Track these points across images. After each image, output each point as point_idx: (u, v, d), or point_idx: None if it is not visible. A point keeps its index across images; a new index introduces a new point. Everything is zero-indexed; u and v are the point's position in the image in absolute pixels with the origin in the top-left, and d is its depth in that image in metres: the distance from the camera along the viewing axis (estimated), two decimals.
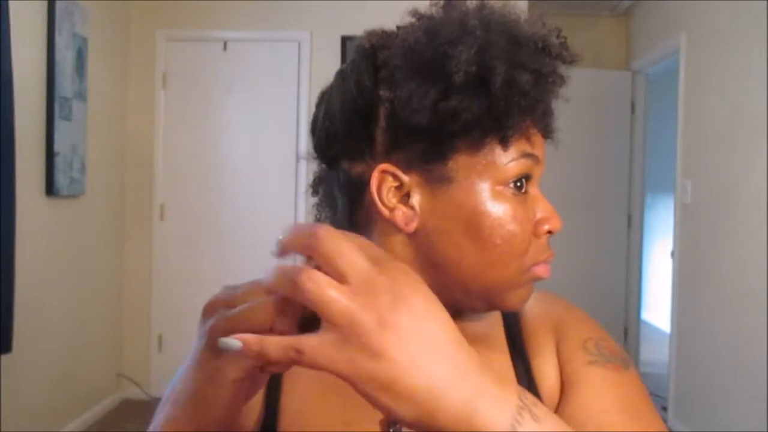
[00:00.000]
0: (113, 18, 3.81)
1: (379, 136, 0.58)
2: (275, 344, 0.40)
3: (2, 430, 2.74)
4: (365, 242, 0.42)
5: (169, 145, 4.01)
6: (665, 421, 3.67)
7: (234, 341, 0.41)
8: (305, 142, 3.97)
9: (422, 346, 0.39)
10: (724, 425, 3.05)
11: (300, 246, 0.41)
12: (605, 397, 0.56)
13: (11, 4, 2.62)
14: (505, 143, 0.57)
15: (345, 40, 3.92)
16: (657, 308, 5.97)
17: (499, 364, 0.62)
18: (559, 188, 4.18)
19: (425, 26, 0.58)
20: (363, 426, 0.58)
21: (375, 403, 0.40)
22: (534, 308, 0.65)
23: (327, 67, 4.12)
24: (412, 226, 0.58)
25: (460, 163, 0.57)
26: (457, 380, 0.39)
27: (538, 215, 0.60)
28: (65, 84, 3.19)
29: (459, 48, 0.54)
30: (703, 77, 3.46)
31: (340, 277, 0.39)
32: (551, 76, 0.57)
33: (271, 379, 0.61)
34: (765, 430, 2.65)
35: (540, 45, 0.58)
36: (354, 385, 0.40)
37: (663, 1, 4.10)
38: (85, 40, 3.38)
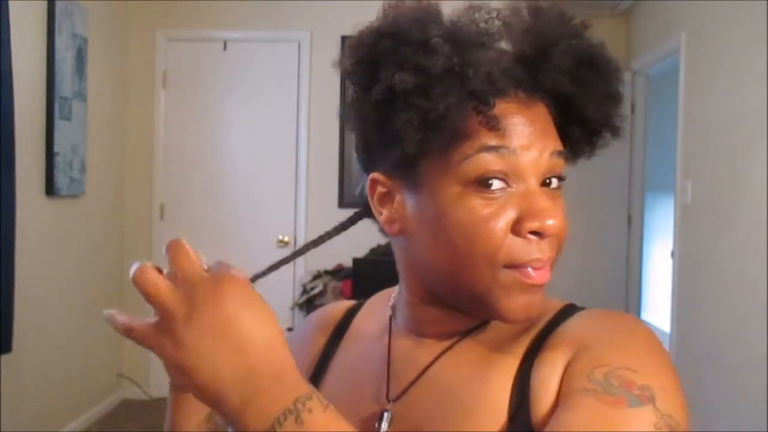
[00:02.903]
0: (113, 18, 3.81)
1: (372, 148, 0.62)
2: (120, 321, 0.49)
3: (2, 430, 2.74)
4: (220, 263, 0.49)
5: (169, 145, 4.01)
6: None
7: (105, 312, 0.51)
8: (305, 142, 3.98)
9: (218, 344, 0.45)
10: (724, 425, 3.05)
11: (166, 252, 0.49)
12: (575, 428, 0.49)
13: (11, 4, 2.62)
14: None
15: (345, 40, 3.92)
16: (657, 308, 5.97)
17: (501, 373, 0.58)
18: None
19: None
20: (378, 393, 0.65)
21: (180, 383, 0.47)
22: (575, 323, 0.59)
23: (327, 67, 4.08)
24: (395, 229, 0.61)
25: (426, 167, 0.57)
26: (239, 380, 0.45)
27: (519, 213, 0.55)
28: (65, 84, 3.19)
29: (355, 59, 0.58)
30: (703, 77, 3.46)
31: (173, 276, 0.47)
32: (458, 66, 0.53)
33: (333, 332, 0.73)
34: (765, 430, 2.64)
35: (427, 38, 0.54)
36: (165, 365, 0.47)
37: (663, 1, 4.10)
38: (85, 40, 3.38)
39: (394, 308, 0.70)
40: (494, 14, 0.58)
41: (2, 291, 2.53)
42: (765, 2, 2.76)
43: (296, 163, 3.98)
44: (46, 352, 3.14)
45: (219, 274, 0.47)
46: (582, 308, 0.62)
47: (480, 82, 0.53)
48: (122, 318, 0.49)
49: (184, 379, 0.46)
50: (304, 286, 3.74)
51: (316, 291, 3.56)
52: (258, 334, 0.46)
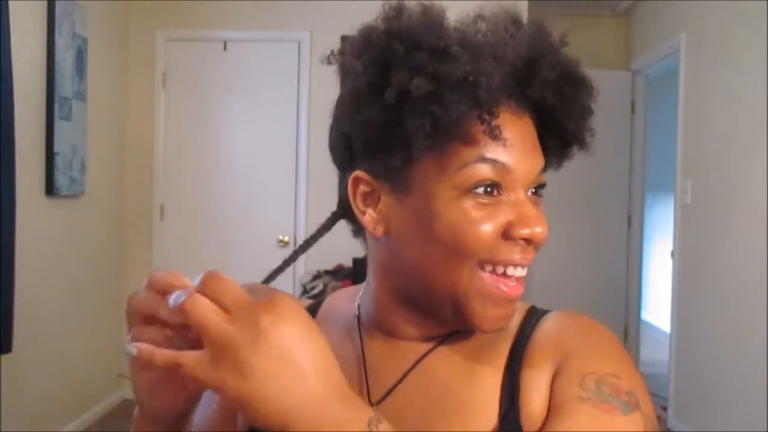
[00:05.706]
0: (113, 18, 3.81)
1: (356, 147, 0.61)
2: (162, 355, 0.45)
3: (2, 430, 2.74)
4: (256, 285, 0.50)
5: (169, 145, 4.01)
6: (665, 421, 3.67)
7: (132, 348, 0.47)
8: (305, 142, 3.98)
9: (286, 368, 0.43)
10: (724, 425, 3.05)
11: (200, 287, 0.46)
12: None
13: (11, 4, 2.61)
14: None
15: (345, 40, 3.91)
16: (657, 308, 5.97)
17: (486, 378, 0.60)
18: (559, 188, 4.17)
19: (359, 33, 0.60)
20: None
21: (242, 413, 0.44)
22: (551, 328, 0.62)
23: (327, 67, 4.11)
24: (380, 230, 0.61)
25: (419, 170, 0.58)
26: (308, 403, 0.43)
27: (510, 219, 0.57)
28: (65, 84, 3.19)
29: (361, 60, 0.57)
30: (703, 77, 3.46)
31: (223, 307, 0.44)
32: (473, 75, 0.53)
33: None
34: (765, 430, 2.65)
35: (445, 45, 0.55)
36: (222, 399, 0.44)
37: (663, 1, 4.10)
38: (85, 40, 3.38)
39: (360, 308, 0.70)
40: (501, 26, 0.59)
41: (2, 291, 2.53)
42: (765, 2, 2.76)
43: (296, 163, 3.98)
44: (46, 352, 3.14)
45: (274, 297, 0.45)
46: (544, 310, 0.65)
47: (487, 92, 0.54)
48: (163, 351, 0.46)
49: (248, 411, 0.43)
50: (304, 286, 3.74)
51: (316, 291, 3.56)
52: (320, 357, 0.45)
